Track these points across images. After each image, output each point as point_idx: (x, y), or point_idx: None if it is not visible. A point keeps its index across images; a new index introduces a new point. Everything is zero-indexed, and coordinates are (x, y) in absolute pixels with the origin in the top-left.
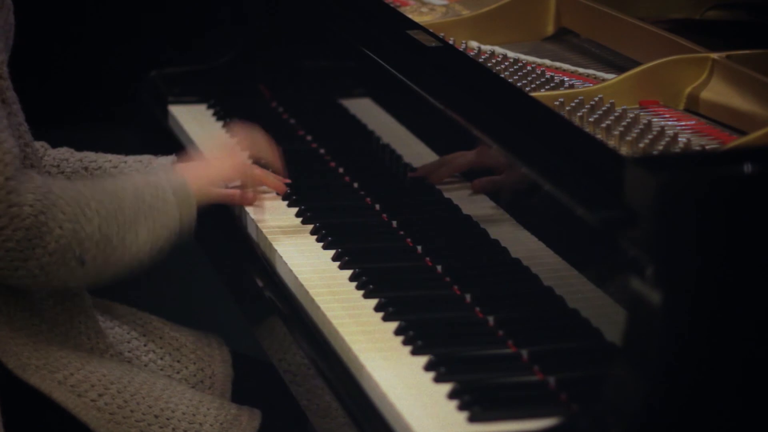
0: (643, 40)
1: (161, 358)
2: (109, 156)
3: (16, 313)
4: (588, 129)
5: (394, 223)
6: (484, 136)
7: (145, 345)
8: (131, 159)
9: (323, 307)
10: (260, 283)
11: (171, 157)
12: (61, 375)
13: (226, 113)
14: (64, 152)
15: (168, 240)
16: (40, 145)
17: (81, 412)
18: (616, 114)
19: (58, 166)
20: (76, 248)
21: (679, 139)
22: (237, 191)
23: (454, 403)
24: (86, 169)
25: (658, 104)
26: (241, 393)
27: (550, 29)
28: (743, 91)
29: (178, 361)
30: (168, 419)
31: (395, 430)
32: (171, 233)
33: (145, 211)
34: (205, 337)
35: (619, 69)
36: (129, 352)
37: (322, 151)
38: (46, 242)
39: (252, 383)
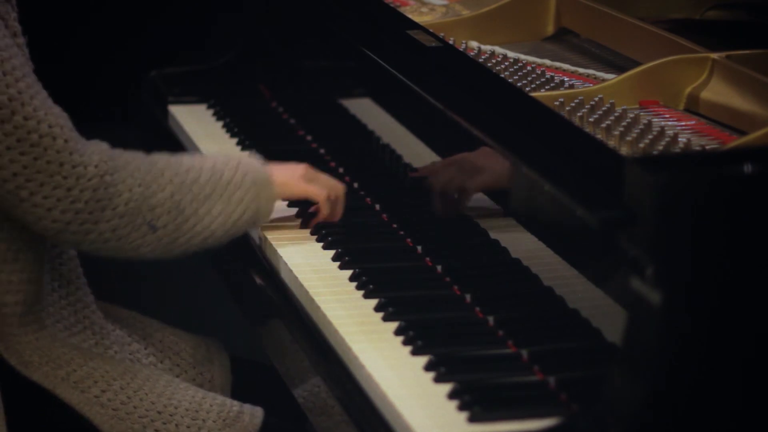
0: (643, 40)
1: (161, 362)
2: None
3: (20, 309)
4: (588, 129)
5: (394, 223)
6: (484, 136)
7: (145, 348)
8: None
9: (323, 307)
10: (260, 283)
11: None
12: (64, 371)
13: (226, 113)
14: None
15: (244, 220)
16: None
17: (84, 408)
18: (616, 114)
19: None
20: (147, 213)
21: (679, 139)
22: (318, 190)
23: (454, 403)
24: None
25: (658, 104)
26: (240, 396)
27: (550, 29)
28: (743, 91)
29: (177, 365)
30: (171, 415)
31: (395, 430)
32: (247, 214)
33: (222, 187)
34: (204, 342)
35: (619, 69)
36: (130, 354)
37: (322, 151)
38: (115, 204)
39: (251, 387)
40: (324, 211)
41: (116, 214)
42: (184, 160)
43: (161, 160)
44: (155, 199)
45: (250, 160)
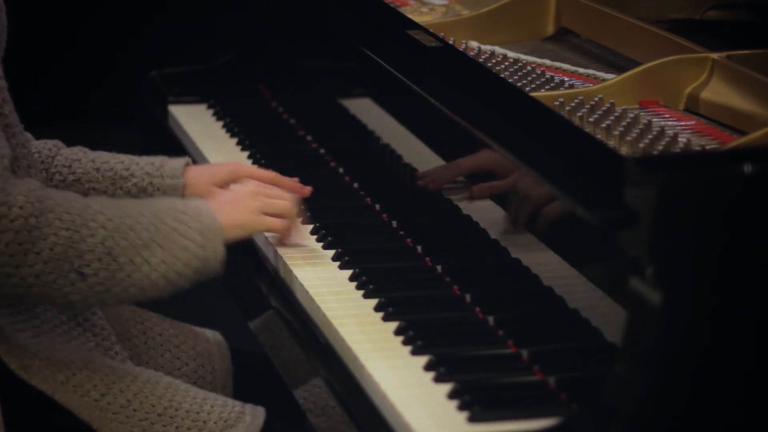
0: (643, 40)
1: (161, 356)
2: (122, 157)
3: (19, 313)
4: (588, 129)
5: (394, 223)
6: (484, 136)
7: (145, 343)
8: (143, 161)
9: (323, 307)
10: (259, 283)
11: (184, 159)
12: (64, 375)
13: (226, 113)
14: (77, 152)
15: (191, 271)
16: (53, 144)
17: (84, 412)
18: (616, 114)
19: (70, 166)
20: (75, 260)
21: (679, 139)
22: (278, 221)
23: (454, 403)
24: (98, 170)
25: (658, 104)
26: (242, 388)
27: (550, 29)
28: (743, 91)
29: (178, 358)
30: (171, 417)
31: (395, 430)
32: (194, 264)
33: (163, 235)
34: (205, 335)
35: (619, 69)
36: (130, 350)
37: (322, 151)
38: (39, 248)
39: (253, 379)
40: (281, 231)
41: (40, 258)
42: (123, 203)
43: (97, 203)
44: (84, 245)
45: (198, 206)
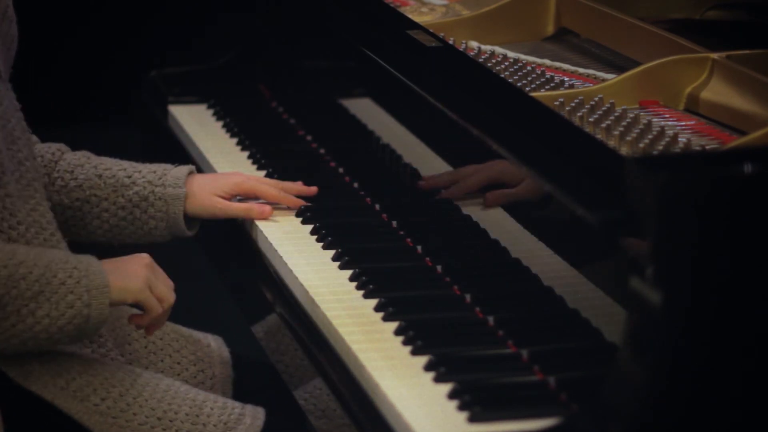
0: (643, 40)
1: (162, 360)
2: (125, 164)
3: None
4: (588, 129)
5: (394, 223)
6: (484, 137)
7: (145, 347)
8: (146, 169)
9: (323, 307)
10: (260, 283)
11: (188, 168)
12: (63, 381)
13: (226, 113)
14: (80, 157)
15: (72, 327)
16: (57, 148)
17: (84, 418)
18: (616, 114)
19: (72, 172)
20: None
21: (679, 139)
22: (154, 301)
23: (454, 403)
24: (100, 176)
25: (658, 104)
26: (242, 394)
27: (550, 29)
28: (743, 91)
29: (179, 363)
30: (171, 421)
31: (395, 430)
32: (76, 320)
33: (52, 289)
34: (205, 338)
35: (619, 69)
36: (130, 354)
37: (322, 151)
38: None
39: (253, 384)
40: (153, 311)
41: None
42: (19, 251)
43: None
44: None
45: (91, 263)
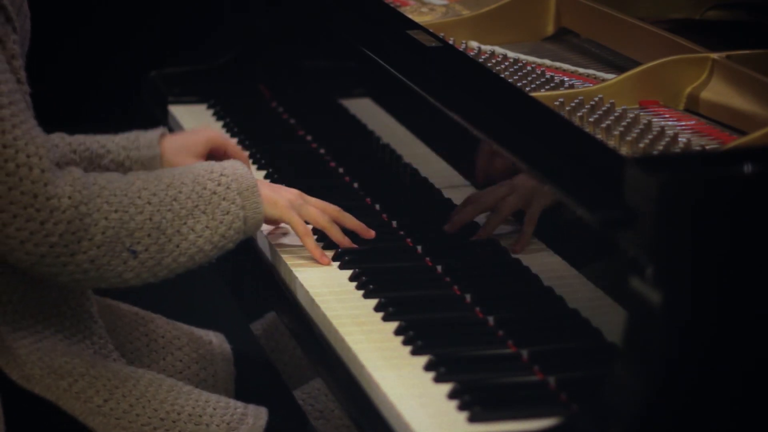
0: (643, 40)
1: (164, 359)
2: (99, 136)
3: (21, 321)
4: (588, 129)
5: (394, 223)
6: (484, 136)
7: (147, 345)
8: (119, 137)
9: (323, 307)
10: (261, 284)
11: (159, 129)
12: (66, 382)
13: (226, 113)
14: (54, 138)
15: (233, 232)
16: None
17: (87, 419)
18: (616, 114)
19: None
20: (126, 239)
21: (679, 139)
22: (309, 232)
23: (454, 403)
24: (74, 152)
25: (658, 104)
26: (243, 391)
27: (550, 29)
28: (743, 91)
29: (181, 361)
30: (174, 422)
31: (395, 430)
32: (236, 224)
33: (205, 200)
34: (207, 336)
35: (619, 69)
36: (131, 353)
37: (322, 151)
38: (92, 234)
39: (254, 381)
40: (312, 250)
41: (93, 244)
42: (163, 175)
43: (138, 179)
44: (134, 224)
45: (235, 168)
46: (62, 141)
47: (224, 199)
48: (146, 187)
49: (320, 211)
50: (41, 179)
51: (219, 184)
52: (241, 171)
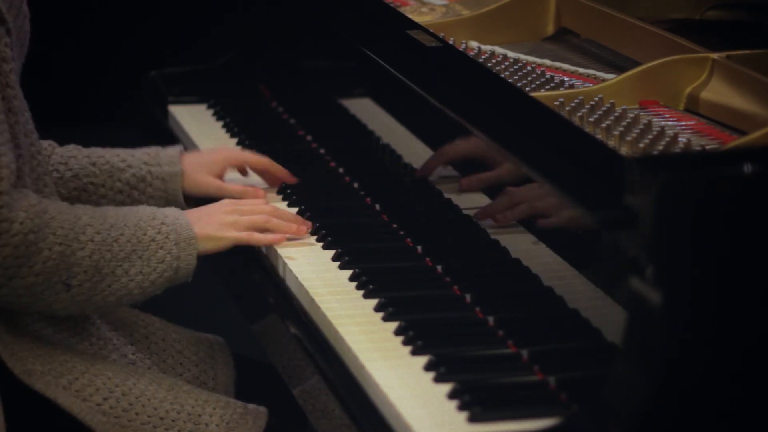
0: (643, 40)
1: (164, 361)
2: (117, 150)
3: (21, 318)
4: (588, 129)
5: (394, 223)
6: (484, 136)
7: (147, 347)
8: (139, 152)
9: (323, 307)
10: (260, 283)
11: (178, 147)
12: (66, 380)
13: (226, 113)
14: (72, 149)
15: (163, 280)
16: (47, 144)
17: (86, 417)
18: (616, 114)
19: (66, 163)
20: (64, 273)
21: (679, 139)
22: (250, 234)
23: (454, 403)
24: (94, 164)
25: (658, 104)
26: (244, 394)
27: (550, 29)
28: (743, 91)
29: (181, 364)
30: (173, 421)
31: (395, 430)
32: (167, 273)
33: (143, 246)
34: (207, 339)
35: (619, 69)
36: (132, 354)
37: (322, 151)
38: (33, 262)
39: (254, 384)
40: (265, 241)
41: (33, 272)
42: (108, 214)
43: (86, 214)
44: (74, 258)
45: (176, 217)
46: (79, 153)
47: (161, 247)
48: (91, 224)
49: (257, 213)
50: None
51: (159, 232)
52: (182, 221)
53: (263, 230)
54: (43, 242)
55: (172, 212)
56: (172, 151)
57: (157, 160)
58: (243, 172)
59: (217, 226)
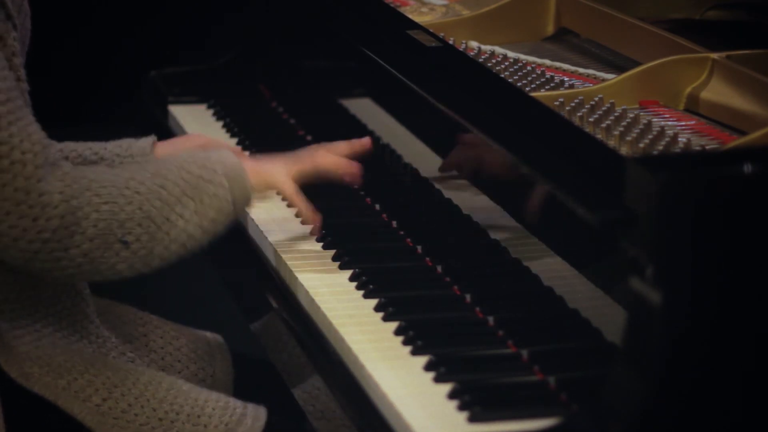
0: (643, 40)
1: (162, 359)
2: (90, 144)
3: (19, 319)
4: (588, 129)
5: (394, 223)
6: (484, 136)
7: (146, 345)
8: (111, 144)
9: (323, 307)
10: (260, 283)
11: (151, 138)
12: (65, 381)
13: (226, 113)
14: None
15: (221, 218)
16: None
17: (86, 418)
18: (616, 114)
19: None
20: (118, 230)
21: (679, 139)
22: (298, 192)
23: (454, 403)
24: (66, 158)
25: (658, 104)
26: (242, 392)
27: (550, 29)
28: (743, 91)
29: (179, 361)
30: (172, 421)
31: (395, 431)
32: (225, 209)
33: (192, 186)
34: (206, 337)
35: (619, 69)
36: (131, 352)
37: None
38: (84, 227)
39: (253, 382)
40: (305, 210)
41: (86, 237)
42: (149, 164)
43: (125, 170)
44: (124, 214)
45: (220, 152)
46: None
47: (210, 182)
48: (133, 177)
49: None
50: (34, 175)
51: (204, 168)
52: (226, 154)
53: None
54: (88, 206)
55: (215, 151)
56: (144, 142)
57: (129, 151)
58: None
59: (265, 164)
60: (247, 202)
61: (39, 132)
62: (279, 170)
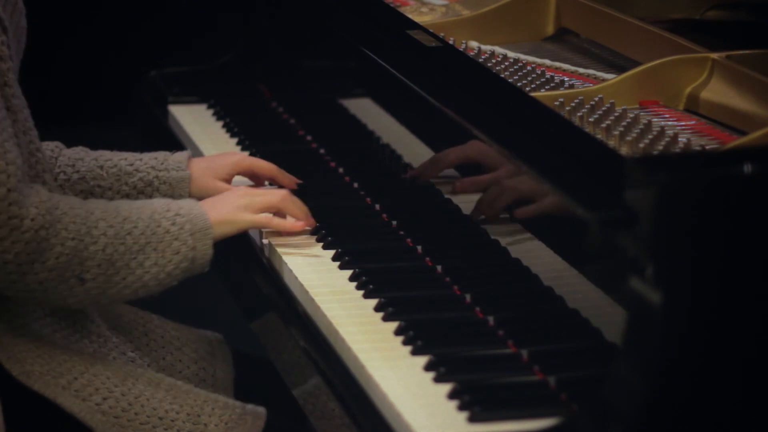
0: (643, 40)
1: (163, 358)
2: (125, 154)
3: (19, 318)
4: (588, 129)
5: (394, 223)
6: (484, 136)
7: (147, 345)
8: (147, 156)
9: (323, 307)
10: (260, 282)
11: (186, 153)
12: (65, 380)
13: (226, 113)
14: (79, 152)
15: (179, 271)
16: (54, 146)
17: (86, 417)
18: (616, 114)
19: (73, 165)
20: (77, 267)
21: (679, 139)
22: (269, 217)
23: (454, 403)
24: (101, 167)
25: (658, 104)
26: (243, 391)
27: (550, 29)
28: (743, 91)
29: (180, 360)
30: (172, 421)
31: (395, 431)
32: (183, 264)
33: (158, 238)
34: (206, 336)
35: (619, 69)
36: (132, 351)
37: (322, 151)
38: (46, 258)
39: (254, 382)
40: (282, 226)
41: (46, 267)
42: (122, 207)
43: (98, 208)
44: (87, 253)
45: (191, 206)
46: (87, 155)
47: (176, 239)
48: (104, 218)
49: (270, 194)
50: (6, 198)
51: (173, 224)
52: (196, 211)
53: (278, 215)
54: (55, 238)
55: (186, 203)
56: (180, 156)
57: (165, 165)
58: (251, 177)
59: (231, 209)
60: (205, 265)
61: (14, 151)
62: (242, 213)
